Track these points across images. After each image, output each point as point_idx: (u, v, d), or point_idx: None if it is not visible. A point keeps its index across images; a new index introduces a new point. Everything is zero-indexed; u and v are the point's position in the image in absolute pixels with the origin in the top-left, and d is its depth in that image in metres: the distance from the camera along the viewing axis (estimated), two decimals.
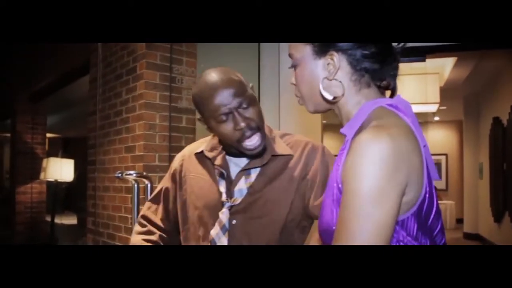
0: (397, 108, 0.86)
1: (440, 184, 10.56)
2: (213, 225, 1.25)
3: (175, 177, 1.38)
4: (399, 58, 0.93)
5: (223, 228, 1.23)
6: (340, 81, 0.88)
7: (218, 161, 1.28)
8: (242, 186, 1.25)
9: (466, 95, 7.96)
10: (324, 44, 0.89)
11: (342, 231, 0.74)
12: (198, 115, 1.31)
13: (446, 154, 10.72)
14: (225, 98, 1.17)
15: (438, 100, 5.99)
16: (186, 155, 1.39)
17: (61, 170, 5.23)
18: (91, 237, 3.28)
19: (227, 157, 1.30)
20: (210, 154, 1.30)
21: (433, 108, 6.51)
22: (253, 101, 1.22)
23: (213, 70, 1.24)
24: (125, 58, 2.86)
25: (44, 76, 4.82)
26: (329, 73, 0.88)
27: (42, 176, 5.29)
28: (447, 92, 6.74)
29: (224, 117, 1.18)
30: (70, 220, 5.76)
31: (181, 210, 1.35)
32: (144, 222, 1.40)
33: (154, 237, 1.37)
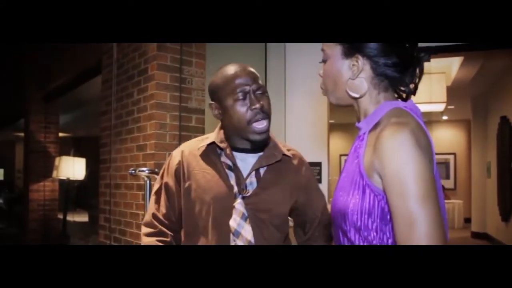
0: (412, 110, 0.97)
1: (448, 183, 10.54)
2: (226, 216, 1.33)
3: (178, 174, 1.42)
4: (422, 67, 1.03)
5: (242, 216, 1.33)
6: (362, 82, 1.00)
7: (229, 155, 1.37)
8: (253, 179, 1.36)
9: (474, 95, 7.96)
10: (352, 46, 1.00)
11: (403, 220, 0.83)
12: (209, 101, 1.42)
13: (454, 153, 10.71)
14: (245, 80, 1.32)
15: (444, 99, 6.02)
16: (185, 152, 1.44)
17: (73, 168, 5.35)
18: (103, 233, 3.38)
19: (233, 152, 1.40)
20: (222, 145, 1.38)
21: (440, 107, 6.54)
22: (266, 92, 1.37)
23: (233, 63, 1.40)
24: (137, 59, 2.95)
25: (57, 76, 4.94)
26: (353, 74, 1.00)
27: (54, 174, 5.42)
28: (454, 92, 6.77)
29: (241, 95, 1.31)
30: (82, 217, 5.88)
31: (185, 205, 1.41)
32: (155, 223, 1.43)
33: (167, 238, 1.42)
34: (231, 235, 1.33)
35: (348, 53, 1.01)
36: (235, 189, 1.35)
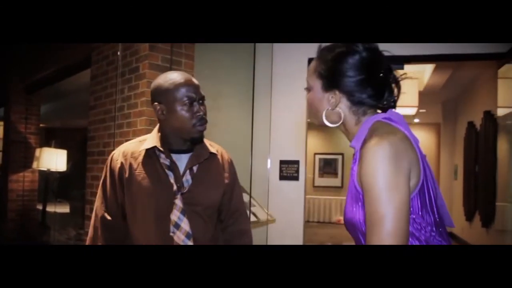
0: (390, 120, 1.12)
1: None
2: (167, 210, 1.52)
3: (120, 174, 1.57)
4: (399, 87, 1.17)
5: (181, 210, 1.53)
6: (340, 111, 1.14)
7: (167, 156, 1.55)
8: (188, 177, 1.57)
9: (445, 100, 8.31)
10: (330, 83, 1.15)
11: (371, 220, 0.97)
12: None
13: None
14: (193, 89, 1.52)
15: (416, 103, 6.31)
16: (126, 154, 1.59)
17: (54, 160, 5.40)
18: (89, 223, 3.49)
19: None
20: (162, 149, 1.56)
21: (412, 111, 6.84)
22: (204, 100, 1.58)
23: (178, 71, 1.61)
24: (128, 58, 3.08)
25: (42, 68, 4.96)
26: (331, 105, 1.15)
27: (35, 165, 5.45)
28: (426, 97, 7.06)
29: (188, 102, 1.50)
30: (63, 208, 5.93)
31: (130, 202, 1.57)
32: (100, 226, 1.60)
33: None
34: (171, 226, 1.52)
35: (327, 88, 1.15)
36: (175, 187, 1.53)
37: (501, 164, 4.61)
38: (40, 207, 5.80)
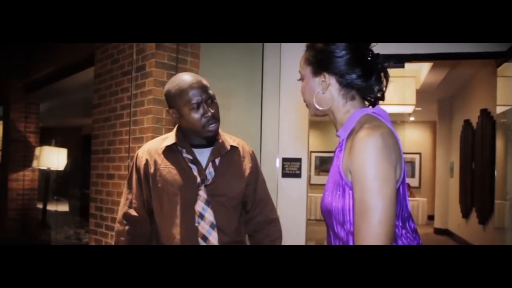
0: (379, 115, 1.16)
1: (413, 181, 11.00)
2: (192, 202, 1.59)
3: (145, 170, 1.66)
4: (387, 76, 1.20)
5: (205, 201, 1.60)
6: (330, 95, 1.18)
7: (189, 151, 1.63)
8: (211, 170, 1.64)
9: (440, 98, 8.39)
10: (319, 66, 1.19)
11: (362, 208, 1.00)
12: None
13: (420, 153, 11.18)
14: (198, 91, 1.57)
15: (414, 102, 6.38)
16: (151, 151, 1.68)
17: (54, 158, 5.40)
18: (94, 221, 3.51)
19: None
20: (183, 144, 1.64)
21: (409, 109, 6.91)
22: (215, 99, 1.63)
23: (186, 73, 1.66)
24: (134, 56, 3.10)
25: (42, 66, 4.96)
26: (322, 89, 1.19)
27: (35, 164, 5.45)
28: (422, 95, 7.14)
29: (195, 105, 1.56)
30: (63, 207, 5.93)
31: (156, 196, 1.64)
32: (125, 222, 1.69)
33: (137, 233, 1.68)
34: (196, 217, 1.59)
35: (317, 72, 1.19)
36: (198, 179, 1.61)
37: (498, 162, 4.68)
38: (40, 206, 5.79)
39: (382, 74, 1.19)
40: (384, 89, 1.20)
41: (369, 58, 1.17)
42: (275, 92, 3.58)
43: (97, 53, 3.62)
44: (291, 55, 3.59)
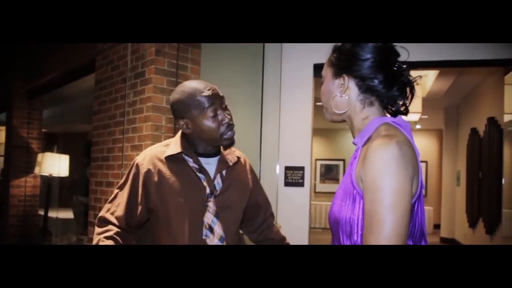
0: (399, 125, 1.09)
1: None
2: (200, 213, 1.51)
3: (146, 179, 1.51)
4: (413, 92, 1.13)
5: (216, 214, 1.52)
6: (347, 98, 1.13)
7: (196, 161, 1.54)
8: (219, 180, 1.56)
9: (447, 106, 8.31)
10: (340, 68, 1.14)
11: (371, 221, 0.94)
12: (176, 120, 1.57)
13: (426, 162, 11.08)
14: (214, 99, 1.49)
15: (420, 109, 6.30)
16: (154, 159, 1.53)
17: (56, 165, 5.37)
18: (92, 229, 3.45)
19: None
20: (189, 153, 1.54)
21: (415, 117, 6.83)
22: (227, 104, 1.55)
23: (194, 81, 1.57)
24: (134, 62, 3.06)
25: (44, 72, 4.96)
26: (340, 91, 1.14)
27: (37, 170, 5.42)
28: (429, 103, 7.06)
29: (212, 113, 1.48)
30: (65, 214, 5.89)
31: (162, 207, 1.50)
32: (103, 223, 1.53)
33: (112, 233, 1.49)
34: (204, 230, 1.50)
35: (337, 74, 1.15)
36: (208, 189, 1.52)
37: (506, 171, 4.59)
38: (41, 212, 5.76)
39: (408, 88, 1.13)
40: (407, 103, 1.14)
41: (394, 68, 1.11)
42: (276, 98, 3.54)
43: (98, 59, 3.58)
44: (292, 61, 3.55)
